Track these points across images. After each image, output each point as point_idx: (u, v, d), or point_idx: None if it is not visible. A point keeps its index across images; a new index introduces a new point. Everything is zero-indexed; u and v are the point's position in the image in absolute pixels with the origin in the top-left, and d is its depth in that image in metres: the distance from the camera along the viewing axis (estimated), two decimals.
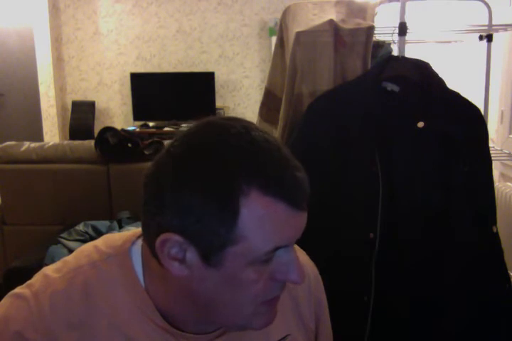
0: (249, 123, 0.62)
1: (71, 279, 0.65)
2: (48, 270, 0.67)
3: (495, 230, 1.34)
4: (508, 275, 1.37)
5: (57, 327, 0.62)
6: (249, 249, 0.57)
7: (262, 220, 0.56)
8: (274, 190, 0.56)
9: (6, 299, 0.65)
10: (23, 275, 0.70)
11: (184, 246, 0.57)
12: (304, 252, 0.82)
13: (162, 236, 0.57)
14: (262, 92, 1.74)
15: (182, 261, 0.58)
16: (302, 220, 0.60)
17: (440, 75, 1.41)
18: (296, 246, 0.82)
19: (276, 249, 0.58)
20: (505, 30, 1.72)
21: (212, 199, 0.55)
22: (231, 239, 0.56)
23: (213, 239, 0.56)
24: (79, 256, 0.69)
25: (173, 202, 0.56)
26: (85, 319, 0.63)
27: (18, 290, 0.66)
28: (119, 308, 0.64)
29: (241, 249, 0.56)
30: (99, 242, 0.70)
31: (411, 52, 1.54)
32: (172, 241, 0.58)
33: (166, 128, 4.50)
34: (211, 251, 0.57)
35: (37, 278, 0.67)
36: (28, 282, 0.67)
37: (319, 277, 0.82)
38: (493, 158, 1.38)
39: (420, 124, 1.34)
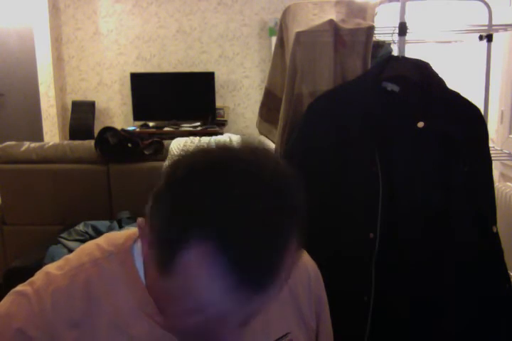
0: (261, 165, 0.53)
1: (73, 277, 0.65)
2: (50, 268, 0.68)
3: (495, 230, 1.34)
4: (508, 275, 1.37)
5: (58, 325, 0.62)
6: (170, 289, 0.54)
7: (192, 274, 0.50)
8: (220, 252, 0.48)
9: (8, 296, 0.65)
10: (23, 275, 0.70)
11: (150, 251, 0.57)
12: (304, 251, 0.82)
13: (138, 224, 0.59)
14: (262, 92, 1.74)
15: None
16: (253, 299, 0.51)
17: (440, 75, 1.41)
18: None
19: (194, 311, 0.52)
20: (505, 30, 1.72)
21: (163, 218, 0.52)
22: (167, 268, 0.52)
23: (158, 256, 0.54)
24: (81, 254, 0.69)
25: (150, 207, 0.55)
26: (86, 316, 0.63)
27: (20, 287, 0.66)
28: (121, 306, 0.64)
29: (167, 283, 0.54)
30: (101, 240, 0.71)
31: (411, 52, 1.54)
32: (140, 227, 0.58)
33: (166, 128, 4.50)
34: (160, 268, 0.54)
35: (39, 276, 0.67)
36: (30, 280, 0.67)
37: (320, 275, 0.82)
38: (493, 158, 1.38)
39: (420, 124, 1.34)
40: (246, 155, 0.55)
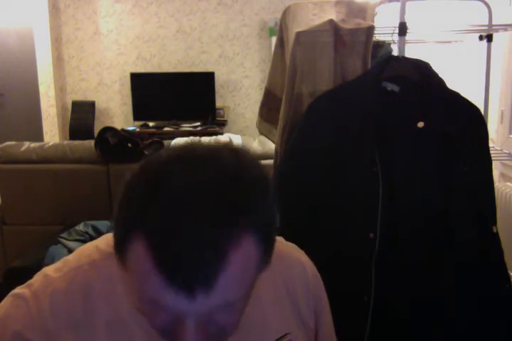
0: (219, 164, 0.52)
1: (71, 278, 0.65)
2: (48, 270, 0.67)
3: (495, 230, 1.34)
4: (508, 275, 1.37)
5: (56, 327, 0.62)
6: (129, 279, 0.55)
7: (136, 269, 0.52)
8: (152, 246, 0.49)
9: (6, 299, 0.65)
10: (23, 275, 0.70)
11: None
12: (302, 251, 0.83)
13: None
14: (262, 92, 1.74)
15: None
16: (195, 303, 0.50)
17: (440, 75, 1.41)
18: (294, 245, 0.83)
19: (148, 302, 0.53)
20: (505, 30, 1.72)
21: (116, 223, 0.54)
22: (124, 264, 0.54)
23: (118, 254, 0.55)
24: (79, 255, 0.69)
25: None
26: (85, 318, 0.63)
27: (17, 290, 0.66)
28: (119, 307, 0.64)
29: (127, 276, 0.55)
30: (100, 242, 0.71)
31: (411, 52, 1.54)
32: None
33: (166, 128, 4.50)
34: (118, 257, 0.56)
35: (37, 278, 0.67)
36: (28, 282, 0.67)
37: (318, 275, 0.82)
38: (493, 158, 1.38)
39: (420, 124, 1.34)
40: (206, 153, 0.54)
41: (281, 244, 0.81)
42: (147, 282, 0.51)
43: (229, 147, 0.56)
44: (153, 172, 0.53)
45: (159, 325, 0.55)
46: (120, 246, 0.53)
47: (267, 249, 0.55)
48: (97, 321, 0.63)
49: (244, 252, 0.51)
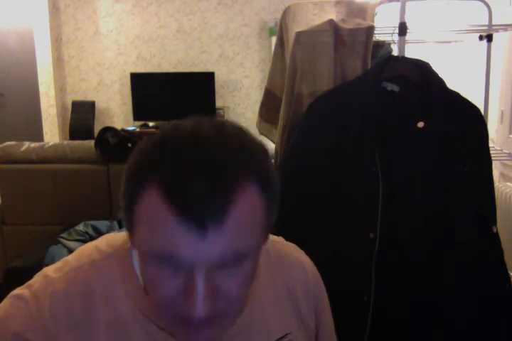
0: (214, 129, 0.56)
1: (71, 279, 0.65)
2: (48, 270, 0.67)
3: (495, 230, 1.34)
4: (508, 275, 1.37)
5: (56, 327, 0.62)
6: (139, 244, 0.56)
7: (148, 222, 0.53)
8: (166, 191, 0.51)
9: (6, 300, 0.65)
10: (23, 275, 0.70)
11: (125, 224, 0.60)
12: (301, 251, 0.82)
13: None
14: (262, 92, 1.74)
15: (130, 236, 0.60)
16: (206, 241, 0.51)
17: (440, 75, 1.41)
18: (294, 245, 0.82)
19: (158, 256, 0.53)
20: (505, 30, 1.72)
21: (126, 186, 0.57)
22: (131, 228, 0.57)
23: (125, 219, 0.58)
24: (79, 255, 0.69)
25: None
26: (85, 319, 0.63)
27: (17, 291, 0.66)
28: (119, 308, 0.64)
29: (136, 240, 0.56)
30: (100, 242, 0.71)
31: (411, 52, 1.54)
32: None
33: None
34: (129, 231, 0.58)
35: (37, 279, 0.67)
36: (28, 283, 0.67)
37: (318, 275, 0.82)
38: (493, 158, 1.38)
39: (420, 124, 1.34)
40: (211, 128, 0.56)
41: (281, 244, 0.81)
42: (159, 224, 0.52)
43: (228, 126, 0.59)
44: (161, 133, 0.57)
45: (166, 293, 0.54)
46: (132, 200, 0.55)
47: (270, 205, 0.57)
48: (97, 322, 0.63)
49: (250, 196, 0.53)
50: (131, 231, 0.57)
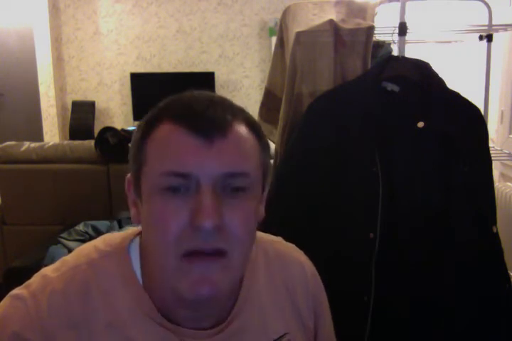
0: (212, 96, 0.66)
1: (69, 278, 0.65)
2: (47, 270, 0.67)
3: (495, 230, 1.34)
4: (508, 275, 1.37)
5: (55, 327, 0.62)
6: (150, 171, 0.60)
7: (162, 142, 0.60)
8: (178, 117, 0.60)
9: (4, 300, 0.65)
10: (23, 275, 0.70)
11: (132, 186, 0.65)
12: (301, 251, 0.82)
13: (126, 180, 0.67)
14: (262, 92, 1.74)
15: (134, 203, 0.65)
16: (212, 152, 0.58)
17: (440, 75, 1.41)
18: (293, 246, 0.82)
19: (175, 174, 0.58)
20: (505, 30, 1.72)
21: (138, 129, 0.64)
22: (142, 160, 0.62)
23: (135, 163, 0.63)
24: (78, 255, 0.69)
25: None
26: (83, 318, 0.63)
27: (15, 290, 0.66)
28: (118, 306, 0.64)
29: (147, 170, 0.61)
30: (98, 241, 0.71)
31: (411, 52, 1.54)
32: (128, 182, 0.66)
33: None
34: (136, 178, 0.63)
35: (35, 279, 0.67)
36: (27, 282, 0.67)
37: (317, 275, 0.82)
38: (493, 158, 1.38)
39: (420, 124, 1.34)
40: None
41: (281, 244, 0.81)
42: (172, 142, 0.59)
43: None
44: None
45: (175, 227, 0.57)
46: (145, 135, 0.62)
47: (261, 144, 0.65)
48: (96, 321, 0.63)
49: (243, 126, 0.63)
50: (140, 169, 0.62)
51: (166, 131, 0.60)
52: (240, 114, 0.64)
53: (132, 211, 0.66)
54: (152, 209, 0.59)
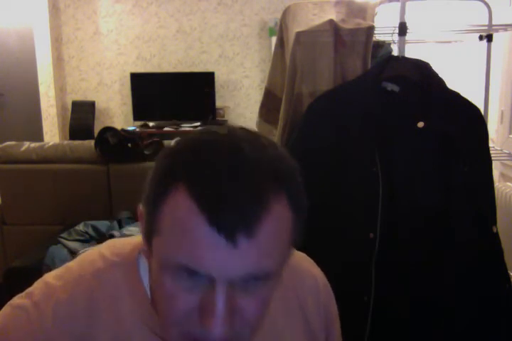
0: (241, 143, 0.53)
1: (73, 288, 0.62)
2: (49, 277, 0.65)
3: (495, 230, 1.34)
4: (508, 275, 1.37)
5: (59, 339, 0.60)
6: (163, 247, 0.53)
7: (176, 224, 0.50)
8: (194, 191, 0.49)
9: (6, 309, 0.63)
10: (23, 275, 0.70)
11: (143, 231, 0.58)
12: (311, 261, 0.80)
13: (138, 210, 0.59)
14: (262, 92, 1.74)
15: (146, 237, 0.58)
16: (235, 253, 0.49)
17: (440, 75, 1.41)
18: (304, 255, 0.79)
19: (190, 270, 0.50)
20: (505, 30, 1.72)
21: (151, 183, 0.54)
22: (154, 227, 0.53)
23: (147, 221, 0.55)
24: (82, 263, 0.66)
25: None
26: (88, 330, 0.61)
27: (17, 300, 0.63)
28: (123, 320, 0.62)
29: (159, 243, 0.53)
30: (105, 248, 0.67)
31: (411, 52, 1.54)
32: (140, 213, 0.59)
33: (166, 128, 4.50)
34: (148, 234, 0.56)
35: (37, 286, 0.64)
36: (28, 290, 0.64)
37: (329, 286, 0.80)
38: (493, 158, 1.38)
39: (420, 124, 1.34)
40: (241, 137, 0.55)
41: (292, 255, 0.79)
42: (187, 230, 0.49)
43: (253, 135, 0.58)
44: (194, 136, 0.55)
45: (181, 309, 0.52)
46: (159, 200, 0.52)
47: (297, 223, 0.54)
48: (100, 334, 0.61)
49: (281, 211, 0.51)
50: (151, 234, 0.54)
51: (181, 208, 0.50)
52: (278, 182, 0.52)
53: (144, 245, 0.58)
54: (161, 281, 0.54)
